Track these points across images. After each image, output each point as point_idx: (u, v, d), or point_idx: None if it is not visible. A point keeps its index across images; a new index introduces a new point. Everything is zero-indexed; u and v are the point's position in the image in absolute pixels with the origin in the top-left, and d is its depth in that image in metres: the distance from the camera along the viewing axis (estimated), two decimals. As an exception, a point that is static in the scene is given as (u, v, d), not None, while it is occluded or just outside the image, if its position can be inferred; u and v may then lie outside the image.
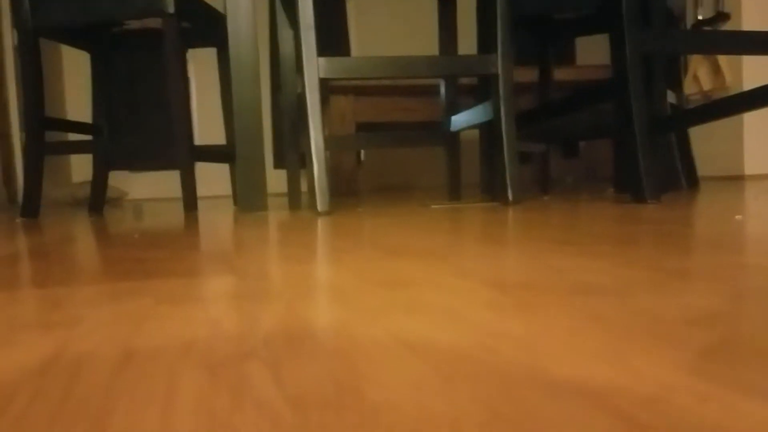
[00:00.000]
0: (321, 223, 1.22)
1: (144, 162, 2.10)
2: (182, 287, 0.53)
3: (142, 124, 2.05)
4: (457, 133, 2.18)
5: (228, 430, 0.22)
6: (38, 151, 1.88)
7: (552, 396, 0.24)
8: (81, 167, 3.44)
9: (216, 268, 0.64)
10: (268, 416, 0.23)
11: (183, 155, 1.85)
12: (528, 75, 3.06)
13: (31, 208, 1.84)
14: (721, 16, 3.12)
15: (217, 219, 1.52)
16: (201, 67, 3.70)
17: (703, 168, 3.30)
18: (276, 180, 3.79)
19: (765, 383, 0.24)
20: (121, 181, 3.43)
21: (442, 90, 2.23)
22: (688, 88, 3.24)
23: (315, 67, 1.46)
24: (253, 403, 0.25)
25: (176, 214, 1.79)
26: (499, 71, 1.58)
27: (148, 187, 3.72)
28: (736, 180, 2.86)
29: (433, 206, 1.66)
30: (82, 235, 1.21)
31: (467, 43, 3.43)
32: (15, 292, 0.54)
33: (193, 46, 2.14)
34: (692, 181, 2.23)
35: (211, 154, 2.16)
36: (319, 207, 1.45)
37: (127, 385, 0.28)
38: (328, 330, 0.36)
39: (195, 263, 0.69)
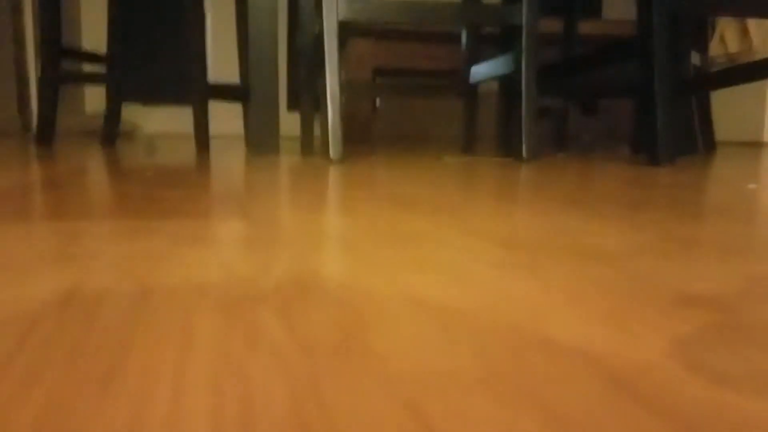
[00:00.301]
0: (333, 171, 1.22)
1: (157, 96, 2.10)
2: (196, 229, 0.54)
3: (156, 58, 2.04)
4: (475, 85, 2.16)
5: (242, 370, 0.23)
6: (53, 80, 1.88)
7: (549, 356, 0.25)
8: (95, 98, 3.44)
9: (228, 212, 0.65)
10: (280, 359, 0.24)
11: (196, 91, 1.85)
12: (552, 27, 3.01)
13: (45, 137, 1.86)
14: (755, -23, 3.03)
15: (230, 160, 1.54)
16: (218, 2, 3.66)
17: (720, 132, 3.26)
18: (289, 123, 3.78)
19: (746, 369, 0.25)
20: (134, 114, 3.43)
21: (464, 38, 2.20)
22: (714, 49, 3.18)
23: (334, 8, 1.45)
24: (265, 346, 0.26)
25: (188, 152, 1.80)
26: (524, 22, 1.56)
27: (161, 122, 3.72)
28: (754, 146, 2.84)
29: (446, 159, 1.66)
30: (96, 167, 1.23)
31: (491, -9, 3.37)
32: (32, 225, 0.56)
33: (212, -19, 2.11)
34: (709, 145, 2.21)
35: (225, 92, 2.16)
36: (332, 154, 1.46)
37: (144, 322, 0.29)
38: (338, 280, 0.37)
39: (208, 205, 0.70)
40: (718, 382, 0.22)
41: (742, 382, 0.23)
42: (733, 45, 3.13)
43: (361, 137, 3.00)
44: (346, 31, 2.89)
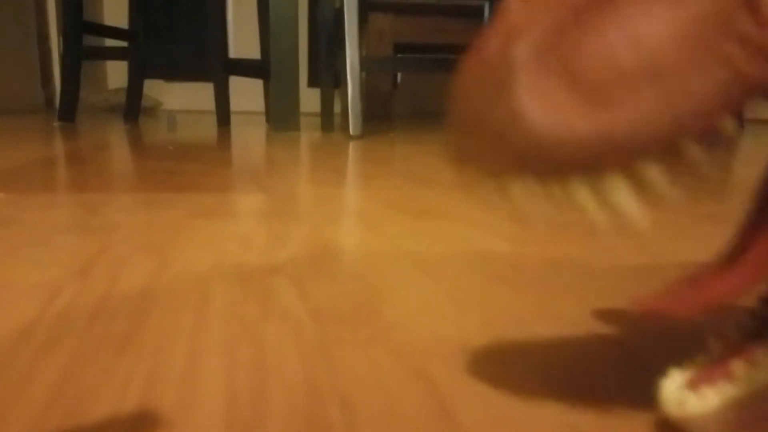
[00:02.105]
0: (352, 147, 1.23)
1: (179, 72, 2.11)
2: (214, 202, 0.55)
3: (178, 34, 2.05)
4: (496, 61, 2.14)
5: (256, 335, 0.24)
6: (76, 56, 1.90)
7: (549, 324, 0.26)
8: (117, 74, 3.47)
9: (247, 186, 0.66)
10: (292, 326, 0.25)
11: (217, 67, 1.86)
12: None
13: (68, 112, 1.88)
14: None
15: (249, 136, 1.55)
16: (239, -23, 3.65)
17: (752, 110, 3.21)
18: (309, 99, 3.79)
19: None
20: (156, 90, 3.46)
21: (486, 12, 2.18)
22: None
23: (355, -15, 1.44)
24: (278, 313, 0.27)
25: (209, 128, 1.81)
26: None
27: (182, 98, 3.75)
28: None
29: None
30: (118, 142, 1.25)
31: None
32: (55, 196, 0.57)
33: (233, -45, 2.11)
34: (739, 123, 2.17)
35: (246, 68, 2.16)
36: (352, 131, 1.46)
37: (163, 289, 0.30)
38: (351, 252, 0.38)
39: (227, 179, 0.71)
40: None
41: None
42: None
43: (382, 113, 3.00)
44: (366, 5, 2.88)
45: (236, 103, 3.71)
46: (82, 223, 0.45)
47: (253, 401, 0.19)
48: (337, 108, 3.54)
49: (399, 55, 2.59)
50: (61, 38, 2.27)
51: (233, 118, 2.51)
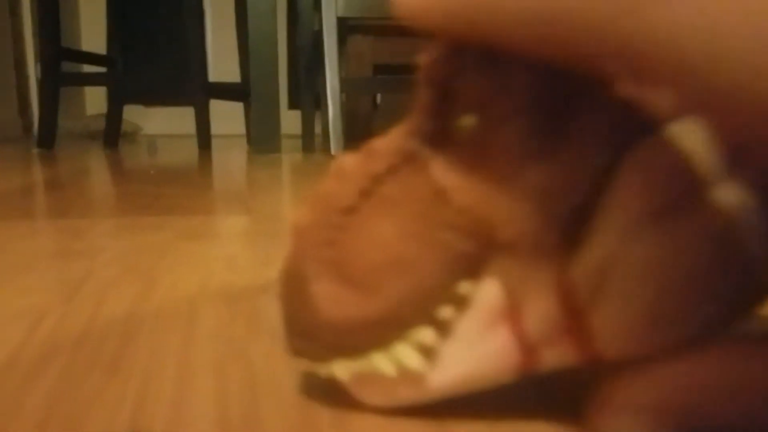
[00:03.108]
0: (334, 167, 1.23)
1: (158, 97, 2.11)
2: (199, 224, 0.55)
3: (157, 58, 2.05)
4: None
5: (246, 355, 0.24)
6: (54, 82, 1.89)
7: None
8: (95, 100, 3.45)
9: (231, 208, 0.66)
10: (281, 346, 0.25)
11: (197, 91, 1.86)
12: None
13: (46, 139, 1.87)
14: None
15: (231, 158, 1.55)
16: (217, 1, 3.67)
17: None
18: (290, 121, 3.79)
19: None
20: (136, 115, 3.44)
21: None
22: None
23: (333, 4, 1.46)
24: (268, 333, 0.27)
25: (190, 152, 1.81)
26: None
27: (163, 123, 3.73)
28: None
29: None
30: (98, 168, 1.24)
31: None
32: (37, 223, 0.57)
33: (211, -20, 2.12)
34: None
35: (226, 91, 2.17)
36: (333, 151, 1.47)
37: (150, 311, 0.30)
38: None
39: (210, 202, 0.71)
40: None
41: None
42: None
43: (363, 134, 3.01)
44: (345, 27, 2.90)
45: (217, 126, 3.70)
46: (66, 248, 0.45)
47: (245, 421, 0.19)
48: (318, 129, 3.55)
49: (378, 76, 2.61)
50: (38, 64, 2.26)
51: (214, 142, 2.51)
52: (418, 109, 0.19)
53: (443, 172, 0.18)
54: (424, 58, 0.18)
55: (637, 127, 0.17)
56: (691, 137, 0.16)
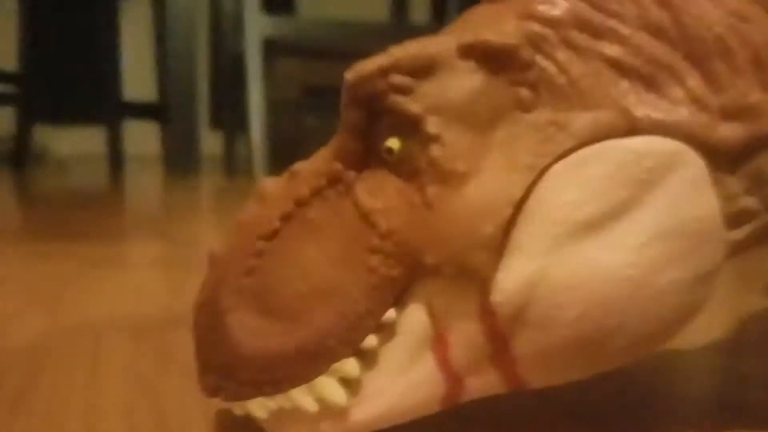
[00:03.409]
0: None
1: (70, 115, 2.05)
2: (108, 251, 0.54)
3: (68, 77, 1.99)
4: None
5: (155, 393, 0.24)
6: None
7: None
8: (3, 120, 3.32)
9: (143, 234, 0.64)
10: (193, 382, 0.25)
11: (109, 110, 1.82)
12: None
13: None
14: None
15: (146, 181, 1.51)
16: (133, 17, 3.60)
17: None
18: (212, 141, 3.74)
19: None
20: (45, 136, 3.33)
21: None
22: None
23: (257, 26, 1.45)
24: (178, 369, 0.26)
25: (102, 174, 1.76)
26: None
27: (74, 144, 3.62)
28: None
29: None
30: (3, 192, 1.19)
31: (421, 9, 3.43)
32: (-72, 250, 0.54)
33: (127, -6, 2.08)
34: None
35: (141, 110, 2.12)
36: (256, 175, 1.46)
37: (54, 345, 0.29)
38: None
39: (122, 227, 0.69)
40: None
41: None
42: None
43: (291, 157, 3.00)
44: (272, 49, 2.89)
45: (132, 147, 3.62)
46: (-41, 278, 0.43)
47: (153, 461, 0.19)
48: (242, 151, 3.51)
49: (307, 99, 2.61)
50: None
51: (129, 163, 2.45)
52: (343, 130, 0.19)
53: (368, 195, 0.19)
54: (350, 76, 0.19)
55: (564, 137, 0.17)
56: None
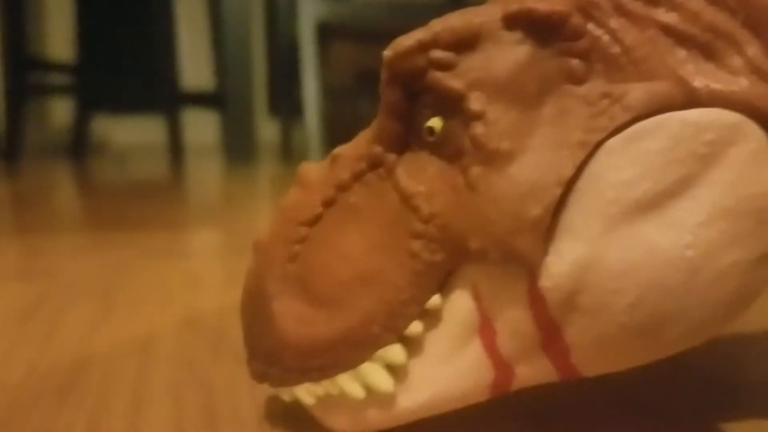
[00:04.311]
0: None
1: (128, 106, 2.10)
2: (165, 241, 0.55)
3: (126, 67, 2.04)
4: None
5: (206, 380, 0.24)
6: (19, 93, 1.88)
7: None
8: (62, 111, 3.44)
9: (201, 223, 0.65)
10: (245, 369, 0.25)
11: (167, 99, 1.85)
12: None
13: (11, 153, 1.86)
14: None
15: (204, 170, 1.54)
16: (189, 6, 3.67)
17: None
18: (271, 128, 3.79)
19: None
20: (104, 126, 3.43)
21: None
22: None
23: (311, 10, 1.46)
24: (230, 356, 0.27)
25: (161, 163, 1.80)
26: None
27: (132, 134, 3.72)
28: None
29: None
30: (65, 182, 1.23)
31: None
32: (-6, 241, 0.56)
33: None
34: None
35: (199, 99, 2.16)
36: (312, 161, 1.47)
37: (107, 334, 0.30)
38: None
39: (180, 216, 0.70)
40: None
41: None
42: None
43: (346, 142, 3.01)
44: (326, 33, 2.90)
45: (190, 135, 3.70)
46: (24, 268, 0.45)
47: (201, 449, 0.19)
48: (300, 137, 3.55)
49: (362, 83, 2.61)
50: (3, 75, 2.25)
51: (188, 152, 2.50)
52: (384, 111, 0.19)
53: (409, 179, 0.18)
54: (388, 53, 0.18)
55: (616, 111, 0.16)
56: None
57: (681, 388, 0.22)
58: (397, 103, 0.18)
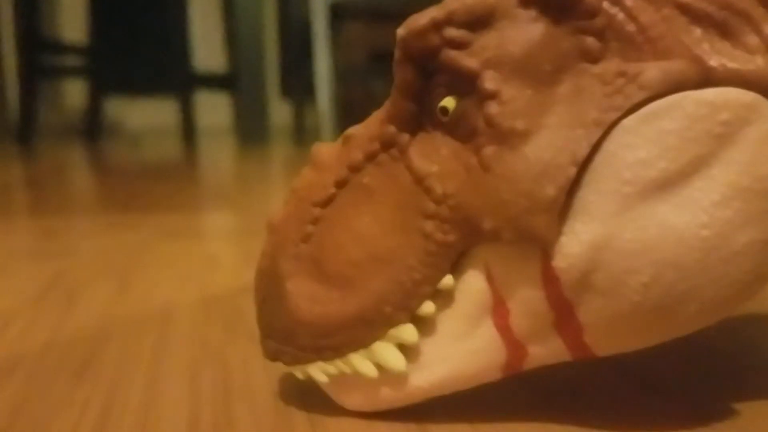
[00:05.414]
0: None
1: (141, 88, 2.11)
2: (179, 222, 0.55)
3: (139, 49, 2.05)
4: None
5: (221, 359, 0.24)
6: (33, 75, 1.89)
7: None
8: (76, 93, 3.45)
9: (214, 204, 0.66)
10: (260, 349, 0.25)
11: (180, 81, 1.85)
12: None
13: (25, 134, 1.87)
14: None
15: (217, 151, 1.54)
16: (203, -14, 3.65)
17: None
18: (284, 110, 3.78)
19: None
20: (117, 108, 3.44)
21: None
22: None
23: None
24: (245, 335, 0.27)
25: (174, 145, 1.81)
26: None
27: (145, 116, 3.73)
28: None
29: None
30: (78, 163, 1.24)
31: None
32: (11, 222, 0.57)
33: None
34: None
35: (211, 81, 2.16)
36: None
37: (122, 314, 0.30)
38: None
39: (193, 198, 0.71)
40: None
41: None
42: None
43: (358, 123, 3.00)
44: (338, 14, 2.89)
45: (202, 117, 3.70)
46: (39, 248, 0.45)
47: (216, 428, 0.19)
48: (313, 119, 3.55)
49: (375, 64, 2.60)
50: (16, 57, 2.26)
51: (201, 134, 2.51)
52: (397, 91, 0.19)
53: (422, 159, 0.18)
54: (401, 31, 0.18)
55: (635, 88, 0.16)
56: None
57: (692, 367, 0.22)
58: (411, 82, 0.18)
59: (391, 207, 0.19)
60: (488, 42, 0.17)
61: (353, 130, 0.20)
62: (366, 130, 0.20)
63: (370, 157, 0.19)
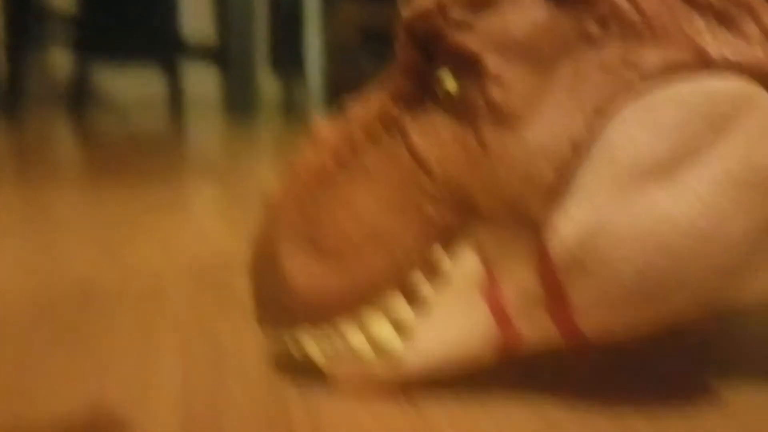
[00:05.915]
0: (315, 135, 1.22)
1: (126, 56, 2.08)
2: (167, 195, 0.55)
3: (125, 18, 2.02)
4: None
5: (212, 331, 0.24)
6: (19, 43, 1.86)
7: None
8: (63, 62, 3.40)
9: (203, 177, 0.65)
10: (251, 321, 0.25)
11: (167, 49, 1.83)
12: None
13: (11, 103, 1.85)
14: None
15: (205, 123, 1.53)
16: (193, -44, 3.60)
17: None
18: (274, 84, 3.75)
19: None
20: (105, 79, 3.40)
21: None
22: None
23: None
24: (236, 308, 0.27)
25: (161, 116, 1.79)
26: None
27: (133, 87, 3.68)
28: None
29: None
30: (65, 135, 1.23)
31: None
32: (-3, 191, 0.56)
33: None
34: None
35: (200, 52, 2.14)
36: (313, 118, 1.46)
37: (112, 286, 0.30)
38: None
39: (181, 171, 0.70)
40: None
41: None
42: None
43: (348, 99, 2.99)
44: (329, -13, 2.86)
45: (191, 89, 3.66)
46: (26, 219, 0.45)
47: (210, 400, 0.19)
48: (302, 95, 3.52)
49: (366, 42, 2.58)
50: (4, 25, 2.22)
51: (188, 107, 2.49)
52: (399, 70, 0.19)
53: (422, 139, 0.18)
54: (406, 12, 0.18)
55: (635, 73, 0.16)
56: None
57: (681, 354, 0.23)
58: (413, 63, 0.18)
59: (390, 185, 0.19)
60: (491, 25, 0.17)
61: (354, 108, 0.20)
62: (367, 109, 0.20)
63: (371, 136, 0.19)
